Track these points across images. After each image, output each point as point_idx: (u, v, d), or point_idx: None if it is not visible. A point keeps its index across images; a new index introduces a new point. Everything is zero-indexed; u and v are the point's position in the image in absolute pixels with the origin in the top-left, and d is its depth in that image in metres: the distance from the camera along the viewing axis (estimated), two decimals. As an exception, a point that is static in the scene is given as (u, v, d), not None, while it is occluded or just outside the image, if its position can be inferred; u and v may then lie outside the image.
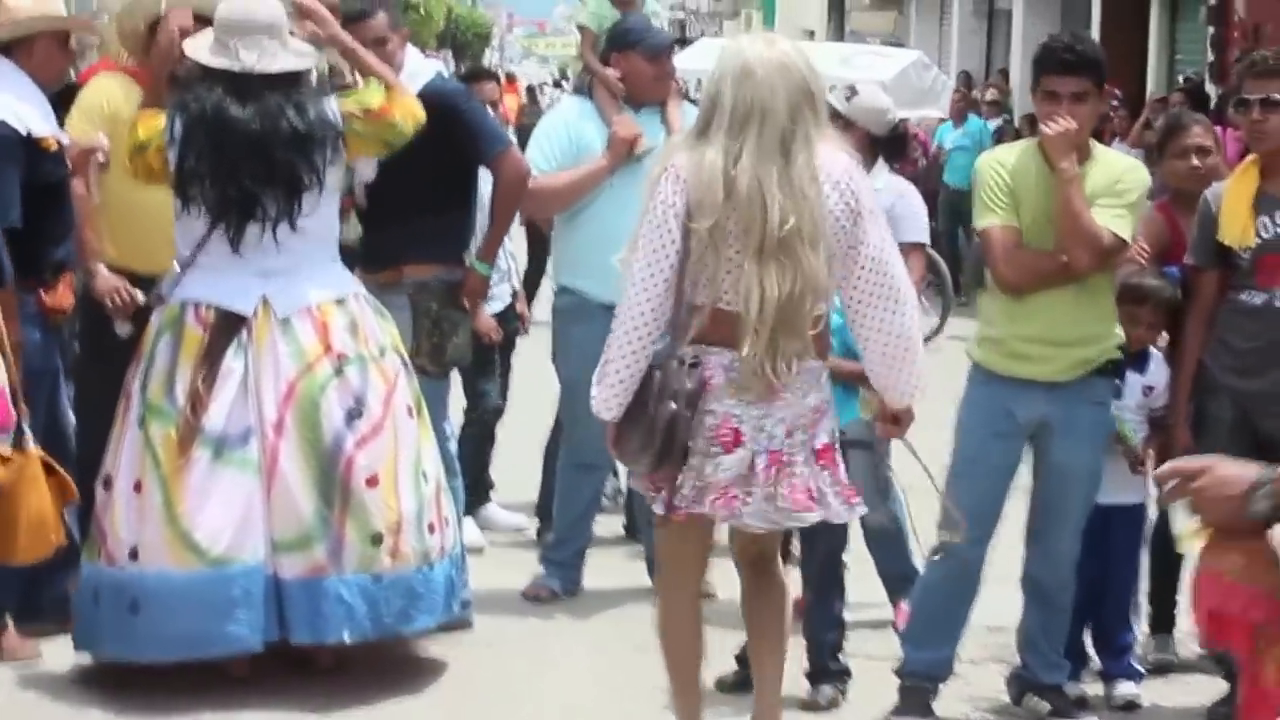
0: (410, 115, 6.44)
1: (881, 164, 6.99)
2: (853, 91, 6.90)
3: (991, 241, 6.10)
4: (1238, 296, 6.24)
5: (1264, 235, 6.17)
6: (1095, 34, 23.17)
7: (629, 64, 7.61)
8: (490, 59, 53.30)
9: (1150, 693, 6.64)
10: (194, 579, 6.05)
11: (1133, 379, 6.45)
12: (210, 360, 6.18)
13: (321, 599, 6.11)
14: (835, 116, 6.40)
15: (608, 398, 5.28)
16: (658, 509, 5.37)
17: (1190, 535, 3.34)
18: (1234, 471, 3.25)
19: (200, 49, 6.33)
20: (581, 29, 8.42)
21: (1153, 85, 21.38)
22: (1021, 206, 6.05)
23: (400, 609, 6.24)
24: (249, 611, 6.06)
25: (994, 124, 20.32)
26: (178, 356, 6.21)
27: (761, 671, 5.68)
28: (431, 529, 6.34)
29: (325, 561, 6.12)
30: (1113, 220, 5.99)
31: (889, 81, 14.25)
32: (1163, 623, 6.96)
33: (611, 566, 8.04)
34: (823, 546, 6.32)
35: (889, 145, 7.00)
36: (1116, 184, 6.05)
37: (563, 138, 7.61)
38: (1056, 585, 6.26)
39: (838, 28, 34.03)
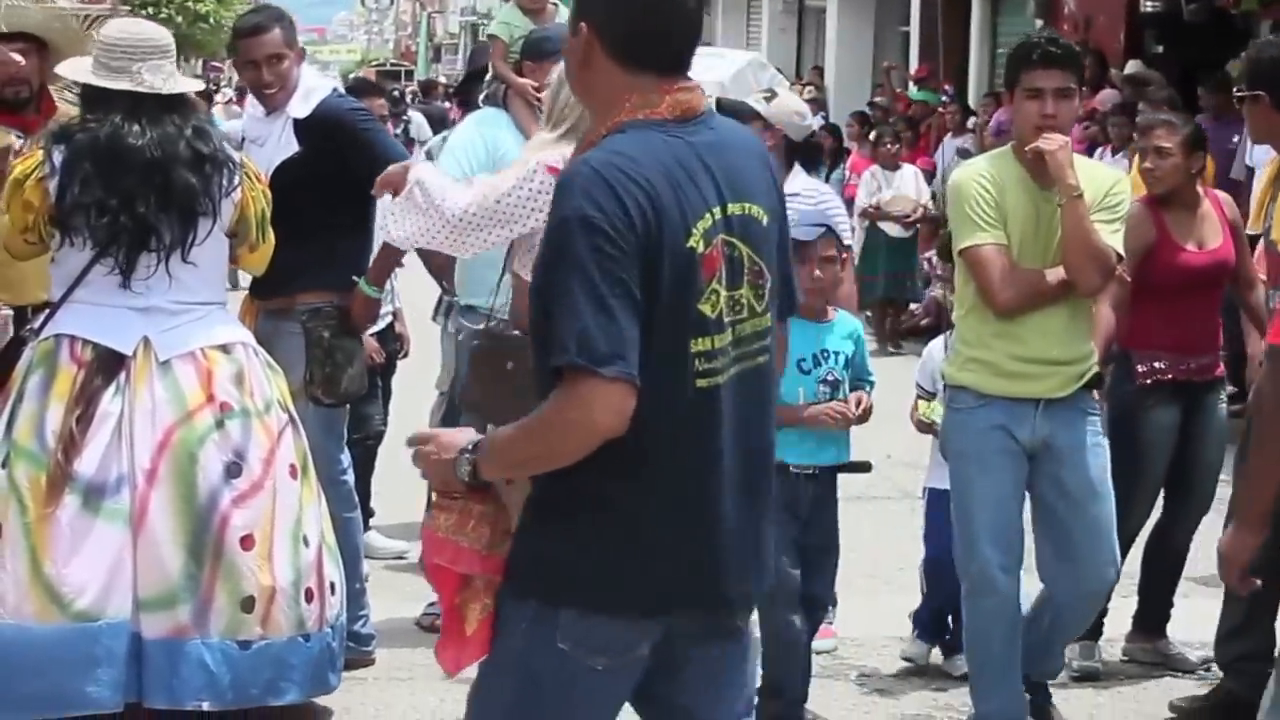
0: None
1: (799, 168, 6.81)
2: (772, 94, 6.75)
3: (985, 261, 5.76)
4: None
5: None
6: (914, 28, 23.29)
7: (546, 74, 7.32)
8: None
9: (1080, 701, 6.58)
10: (55, 634, 5.65)
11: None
12: (86, 401, 5.78)
13: (181, 661, 5.71)
14: (755, 118, 6.45)
15: (459, 241, 5.66)
16: None
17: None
18: (450, 439, 3.62)
19: (85, 73, 6.00)
20: (492, 38, 8.19)
21: (975, 81, 21.40)
22: (1008, 222, 5.78)
23: (268, 680, 5.82)
24: (110, 670, 5.67)
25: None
26: (49, 395, 5.82)
27: None
28: (310, 597, 5.90)
29: (189, 623, 5.71)
30: (1111, 237, 5.74)
31: (727, 82, 14.06)
32: (1087, 629, 6.85)
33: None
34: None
35: (806, 151, 6.85)
36: (1106, 197, 5.77)
37: (479, 150, 7.28)
38: (1095, 596, 6.12)
39: (642, 27, 33.90)
